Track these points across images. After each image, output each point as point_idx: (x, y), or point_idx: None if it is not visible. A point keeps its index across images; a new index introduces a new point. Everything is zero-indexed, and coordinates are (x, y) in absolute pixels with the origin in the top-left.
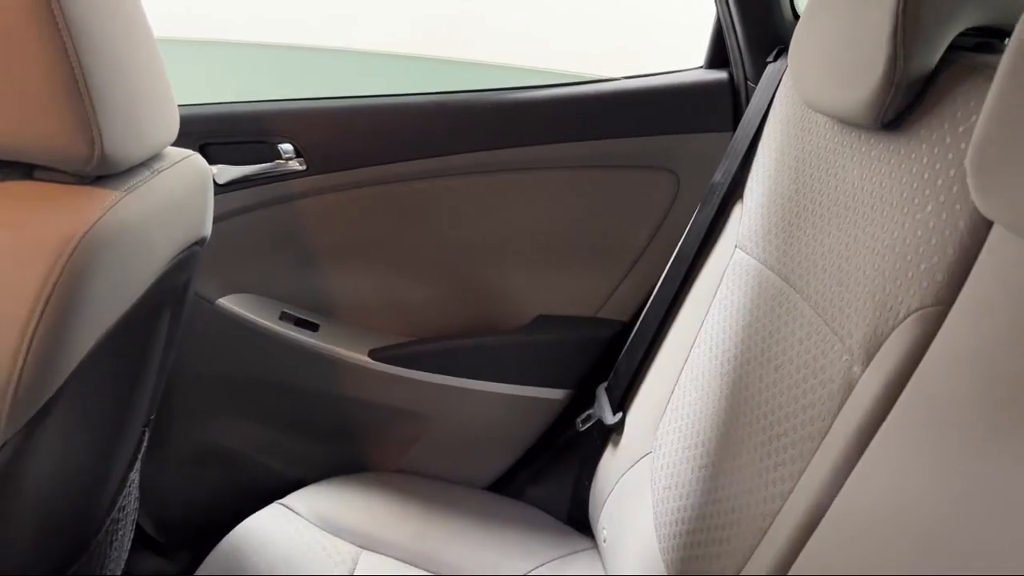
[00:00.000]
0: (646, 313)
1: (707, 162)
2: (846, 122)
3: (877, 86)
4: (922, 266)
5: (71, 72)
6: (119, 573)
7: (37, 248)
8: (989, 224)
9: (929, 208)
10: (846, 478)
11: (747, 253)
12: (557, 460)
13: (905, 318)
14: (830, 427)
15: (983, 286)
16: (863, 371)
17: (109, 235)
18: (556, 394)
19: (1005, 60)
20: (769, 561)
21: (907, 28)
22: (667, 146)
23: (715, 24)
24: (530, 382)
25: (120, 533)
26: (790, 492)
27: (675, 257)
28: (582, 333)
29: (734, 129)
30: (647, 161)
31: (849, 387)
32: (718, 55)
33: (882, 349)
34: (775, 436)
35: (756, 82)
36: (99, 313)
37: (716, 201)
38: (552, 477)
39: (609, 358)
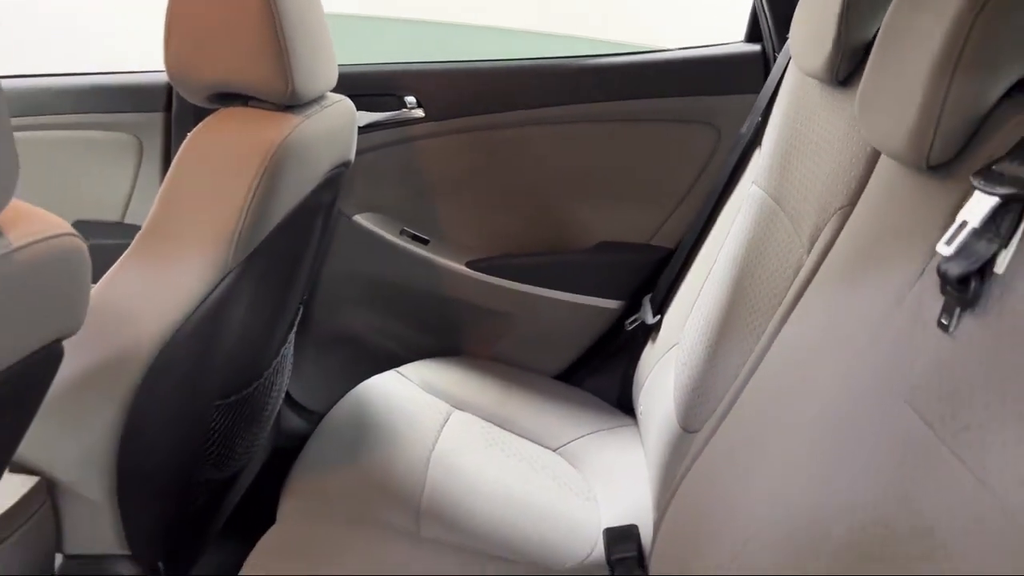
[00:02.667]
0: (684, 237)
1: (742, 118)
2: (819, 80)
3: (831, 52)
4: (845, 178)
5: (276, 34)
6: (279, 406)
7: (253, 149)
8: None
9: (855, 139)
10: (780, 328)
11: (758, 186)
12: (611, 358)
13: (833, 214)
14: (784, 298)
15: (872, 189)
16: (807, 256)
17: (294, 146)
18: (613, 304)
19: (880, 30)
20: (732, 394)
21: (850, 10)
22: (710, 105)
23: (752, 6)
24: (592, 293)
25: (280, 374)
26: (755, 345)
27: (709, 193)
28: (636, 256)
29: None
30: (694, 117)
31: (798, 268)
32: (754, 31)
33: (819, 238)
34: (754, 311)
35: None
36: (285, 197)
37: (741, 148)
38: (606, 371)
39: (657, 277)
